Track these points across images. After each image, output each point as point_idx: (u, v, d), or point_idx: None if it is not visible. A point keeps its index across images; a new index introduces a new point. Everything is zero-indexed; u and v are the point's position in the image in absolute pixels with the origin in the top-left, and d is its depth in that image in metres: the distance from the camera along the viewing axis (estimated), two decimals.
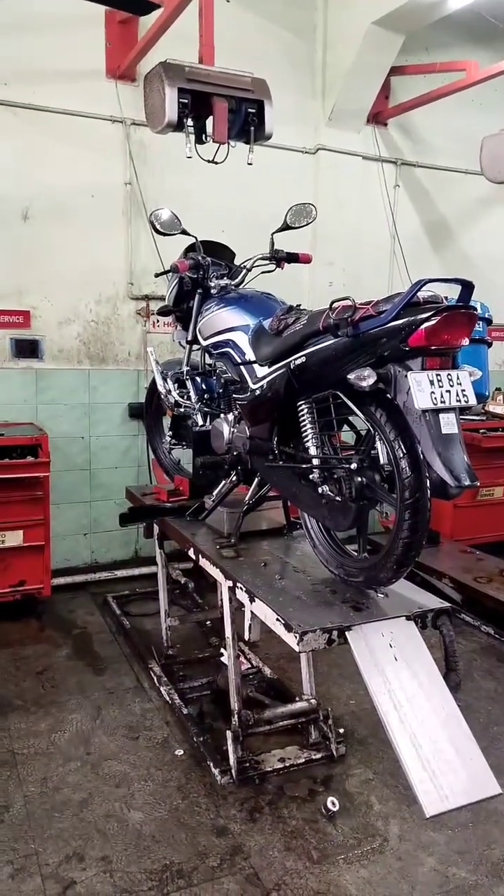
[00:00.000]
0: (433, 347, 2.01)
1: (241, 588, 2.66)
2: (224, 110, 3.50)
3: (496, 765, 2.43)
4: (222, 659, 3.43)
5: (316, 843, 2.51)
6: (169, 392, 3.51)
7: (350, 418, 2.51)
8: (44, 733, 3.13)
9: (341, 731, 3.06)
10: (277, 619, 2.40)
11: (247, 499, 3.08)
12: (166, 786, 2.81)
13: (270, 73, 3.74)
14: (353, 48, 4.91)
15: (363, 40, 4.81)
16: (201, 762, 2.93)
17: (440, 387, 2.02)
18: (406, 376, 2.04)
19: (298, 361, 2.44)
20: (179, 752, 3.01)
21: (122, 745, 3.07)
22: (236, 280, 3.27)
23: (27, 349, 4.69)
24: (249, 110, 3.57)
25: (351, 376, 2.14)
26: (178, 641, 3.87)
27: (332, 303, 2.24)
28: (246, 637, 3.60)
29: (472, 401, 2.07)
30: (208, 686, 3.48)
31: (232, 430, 3.05)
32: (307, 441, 2.51)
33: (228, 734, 2.81)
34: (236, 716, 2.82)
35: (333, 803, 2.65)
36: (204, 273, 3.24)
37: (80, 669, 3.73)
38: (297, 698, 3.16)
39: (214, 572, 2.95)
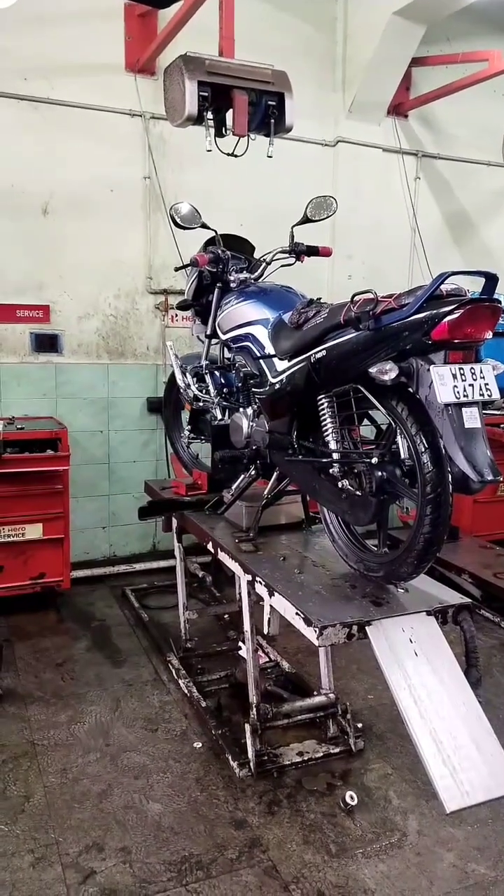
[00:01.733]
0: (456, 341, 1.99)
1: (261, 582, 2.66)
2: (244, 103, 3.49)
3: None
4: (240, 652, 3.44)
5: (334, 837, 2.51)
6: (188, 386, 3.51)
7: (370, 412, 2.50)
8: (63, 724, 3.16)
9: (360, 725, 3.05)
10: (297, 614, 2.39)
11: (266, 493, 3.08)
12: (185, 778, 2.82)
13: (290, 65, 3.73)
14: (373, 40, 4.87)
15: (384, 31, 4.77)
16: (220, 755, 2.94)
17: (463, 380, 2.00)
18: (428, 370, 2.03)
19: (319, 355, 2.43)
20: (198, 744, 3.02)
21: (140, 737, 3.08)
22: (256, 274, 3.26)
23: (47, 343, 4.72)
24: (269, 103, 3.56)
25: (372, 370, 2.12)
26: (196, 635, 3.88)
27: (354, 296, 2.23)
28: (265, 631, 3.63)
29: (496, 394, 2.05)
30: (226, 679, 3.49)
31: (251, 424, 3.05)
32: (327, 435, 2.50)
33: (247, 727, 2.82)
34: (255, 709, 2.83)
35: (352, 797, 2.64)
36: (223, 267, 3.23)
37: (99, 661, 3.75)
38: (315, 692, 3.16)
39: (233, 566, 2.95)
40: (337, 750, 2.95)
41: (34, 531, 4.12)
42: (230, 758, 2.88)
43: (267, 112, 3.55)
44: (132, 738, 3.07)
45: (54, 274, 4.67)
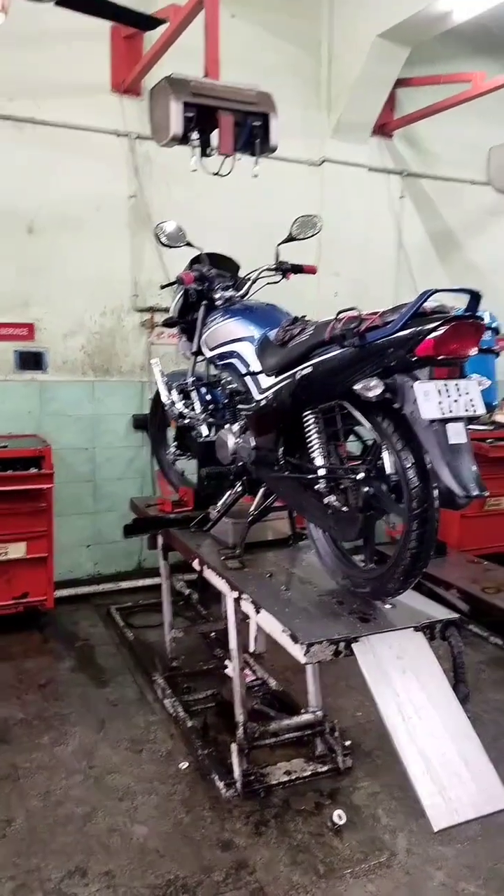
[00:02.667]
0: (441, 357, 2.01)
1: (247, 599, 2.65)
2: (229, 123, 3.52)
3: None
4: (227, 671, 3.41)
5: (322, 857, 2.48)
6: (173, 403, 3.50)
7: (356, 428, 2.51)
8: (46, 746, 3.11)
9: (348, 743, 3.02)
10: (283, 631, 2.38)
11: (252, 509, 3.07)
12: (170, 799, 2.78)
13: (276, 86, 3.76)
14: (358, 61, 4.94)
15: (368, 53, 4.84)
16: (206, 775, 2.90)
17: (448, 396, 2.01)
18: (413, 386, 2.04)
19: (304, 372, 2.43)
20: (184, 765, 2.98)
21: (125, 758, 3.04)
22: (241, 291, 3.28)
23: (31, 361, 4.70)
24: (254, 123, 3.59)
25: (357, 386, 2.13)
26: (182, 653, 3.84)
27: (339, 313, 2.24)
28: (251, 649, 3.60)
29: (481, 410, 2.06)
30: (213, 698, 3.45)
31: (237, 440, 3.04)
32: (313, 451, 2.51)
33: (233, 747, 2.79)
34: (241, 728, 2.80)
35: (340, 816, 2.62)
36: (209, 285, 3.25)
37: (84, 682, 3.70)
38: (302, 710, 3.13)
39: (219, 583, 2.93)
40: (325, 768, 2.92)
41: (17, 550, 4.08)
42: (217, 778, 2.84)
43: (252, 132, 3.59)
44: (117, 760, 3.03)
45: (40, 292, 4.67)
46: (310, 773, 2.89)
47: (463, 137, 5.84)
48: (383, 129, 5.60)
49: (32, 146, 4.53)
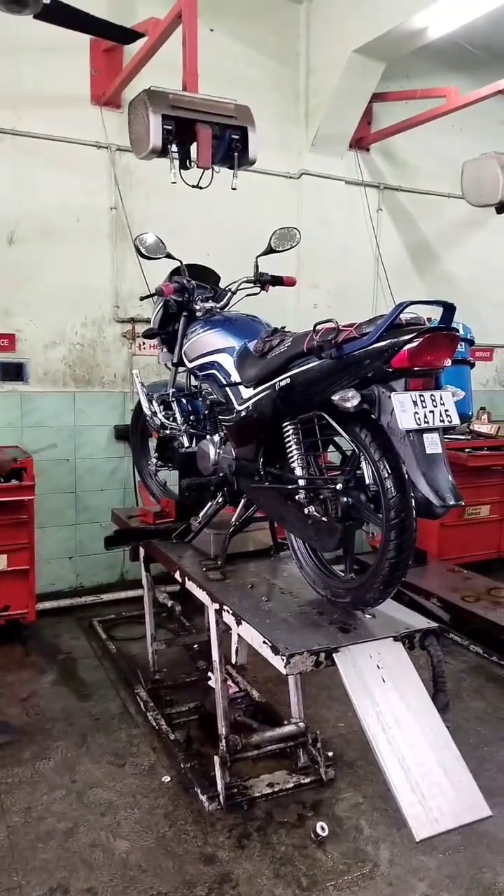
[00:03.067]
0: (416, 368, 2.03)
1: (228, 611, 2.64)
2: (208, 136, 3.55)
3: (486, 786, 2.41)
4: (210, 683, 3.40)
5: (305, 870, 2.47)
6: (155, 414, 3.51)
7: (335, 439, 2.52)
8: (28, 761, 3.08)
9: (330, 754, 3.03)
10: (264, 642, 2.38)
11: (233, 520, 3.07)
12: (153, 813, 2.76)
13: (254, 99, 3.80)
14: (335, 75, 5.01)
15: (345, 68, 4.90)
16: (189, 789, 2.89)
17: (423, 407, 2.04)
18: (390, 397, 2.06)
19: (283, 383, 2.45)
20: (166, 778, 2.97)
21: (107, 772, 3.02)
22: (221, 303, 3.29)
23: (12, 372, 4.68)
24: (233, 136, 3.62)
25: (335, 397, 2.15)
26: (165, 666, 3.83)
27: (316, 325, 2.26)
28: (233, 660, 3.60)
29: (456, 420, 2.08)
30: (196, 711, 3.44)
31: (218, 451, 3.05)
32: (293, 462, 2.52)
33: (216, 760, 2.77)
34: (224, 741, 2.79)
35: (323, 828, 2.61)
36: (189, 296, 3.26)
37: (66, 695, 3.67)
38: (285, 722, 3.13)
39: (201, 595, 2.93)
40: (308, 780, 2.92)
41: None
42: (199, 791, 2.83)
43: (230, 145, 3.62)
44: (99, 774, 3.00)
45: (20, 302, 4.66)
46: (292, 784, 2.88)
47: (438, 151, 5.92)
48: (360, 142, 5.67)
49: (12, 157, 4.53)
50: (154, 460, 3.78)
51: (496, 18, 4.60)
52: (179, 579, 3.13)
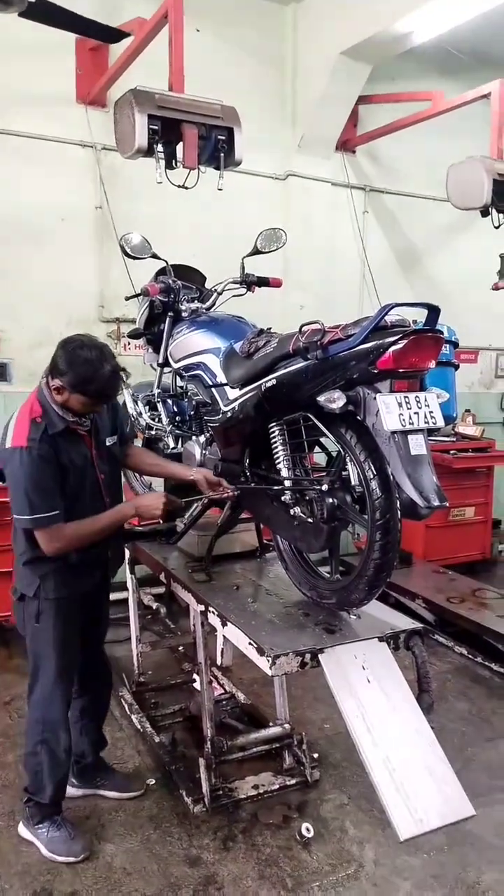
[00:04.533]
0: (401, 370, 2.04)
1: (213, 612, 2.64)
2: (194, 136, 3.54)
3: (470, 786, 2.43)
4: (195, 685, 3.39)
5: (290, 871, 2.47)
6: (140, 414, 3.49)
7: (321, 440, 2.53)
8: (11, 765, 3.06)
9: (315, 755, 3.03)
10: (250, 643, 2.38)
11: (219, 521, 3.07)
12: (137, 816, 2.75)
13: (241, 100, 3.79)
14: (321, 78, 5.02)
15: (331, 70, 4.92)
16: (174, 791, 2.88)
17: (408, 409, 2.04)
18: (375, 398, 2.07)
19: (269, 384, 2.44)
20: (151, 781, 2.96)
21: None
22: (207, 303, 3.28)
23: None
24: (219, 137, 3.61)
25: (321, 398, 2.15)
26: (150, 668, 3.81)
27: (302, 326, 2.26)
28: (219, 662, 3.59)
29: (440, 422, 2.09)
30: (181, 713, 3.43)
31: (203, 452, 3.04)
32: (279, 463, 2.52)
33: (201, 762, 2.77)
34: (209, 743, 2.78)
35: (308, 829, 2.61)
36: (175, 296, 3.25)
37: None
38: (270, 723, 3.13)
39: (186, 596, 2.92)
40: (293, 781, 2.91)
41: None
42: (184, 793, 2.82)
43: (216, 146, 3.61)
44: None
45: (4, 303, 4.63)
46: (278, 786, 2.88)
47: (424, 154, 5.94)
48: (346, 144, 5.69)
49: None
50: None
51: (480, 24, 4.64)
52: (165, 581, 3.13)
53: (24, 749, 2.63)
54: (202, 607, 2.74)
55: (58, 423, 2.38)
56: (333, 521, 2.39)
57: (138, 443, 3.76)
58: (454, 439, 5.45)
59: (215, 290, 3.31)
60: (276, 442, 2.53)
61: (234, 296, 3.32)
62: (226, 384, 2.81)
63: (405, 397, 2.05)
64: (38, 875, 2.44)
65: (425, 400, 2.08)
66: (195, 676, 3.41)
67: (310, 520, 2.44)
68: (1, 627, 4.18)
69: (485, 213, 4.68)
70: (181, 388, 3.27)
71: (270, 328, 2.85)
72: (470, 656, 4.15)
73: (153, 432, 3.47)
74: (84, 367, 2.29)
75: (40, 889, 2.38)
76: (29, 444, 2.30)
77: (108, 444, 2.56)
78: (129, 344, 4.95)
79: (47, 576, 2.46)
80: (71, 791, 2.75)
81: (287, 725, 3.06)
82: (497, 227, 4.63)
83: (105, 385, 2.34)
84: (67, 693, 2.54)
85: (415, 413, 2.05)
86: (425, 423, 2.06)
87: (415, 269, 6.22)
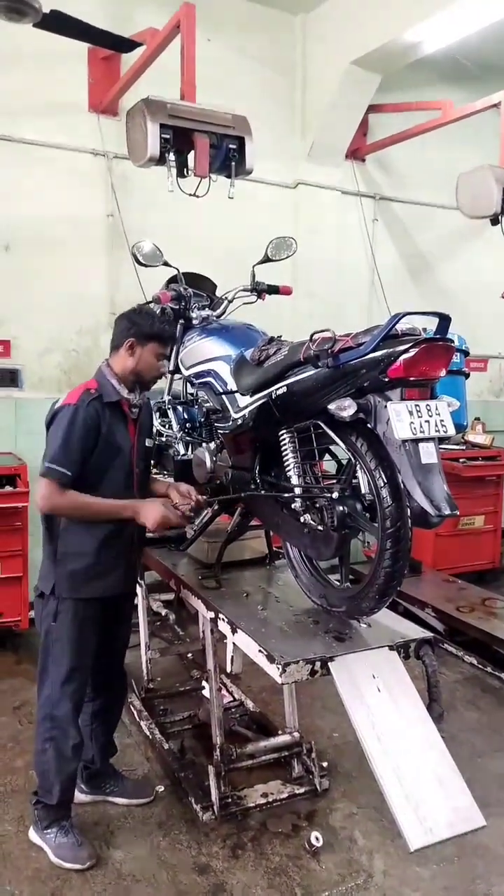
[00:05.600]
0: (412, 378, 2.04)
1: (223, 619, 2.64)
2: (205, 146, 3.57)
3: (481, 797, 2.41)
4: (204, 692, 3.39)
5: (300, 880, 2.46)
6: None
7: (331, 448, 2.53)
8: (21, 770, 3.06)
9: (325, 764, 3.02)
10: (260, 651, 2.38)
11: (229, 528, 3.07)
12: (147, 823, 2.75)
13: (251, 109, 3.83)
14: (331, 87, 5.05)
15: (342, 79, 4.95)
16: (183, 798, 2.88)
17: (419, 417, 2.04)
18: (385, 407, 2.06)
19: (280, 391, 2.45)
20: (160, 788, 2.95)
21: None
22: (218, 311, 3.30)
23: (7, 378, 4.67)
24: (230, 146, 3.64)
25: (331, 406, 2.15)
26: (159, 674, 3.81)
27: (313, 334, 2.27)
28: (228, 669, 3.58)
29: (451, 431, 2.09)
30: (190, 720, 3.43)
31: (214, 459, 3.04)
32: (289, 470, 2.52)
33: (210, 769, 2.76)
34: (218, 750, 2.77)
35: (317, 839, 2.60)
36: (185, 304, 3.26)
37: None
38: (279, 731, 3.12)
39: (196, 603, 2.92)
40: (302, 790, 2.90)
41: None
42: (193, 801, 2.82)
43: (227, 155, 3.64)
44: None
45: (15, 309, 4.66)
46: (287, 794, 2.87)
47: (434, 163, 5.96)
48: (356, 153, 5.71)
49: (9, 164, 4.53)
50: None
51: (490, 34, 4.65)
52: (174, 587, 3.13)
53: (33, 753, 2.64)
54: (212, 614, 2.74)
55: (113, 394, 2.55)
56: (344, 528, 2.39)
57: None
58: (464, 448, 5.44)
59: (226, 297, 3.33)
60: (286, 449, 2.53)
61: (244, 303, 3.33)
62: (236, 391, 2.82)
63: (416, 405, 2.05)
64: (48, 880, 2.44)
65: (436, 408, 2.07)
66: (204, 683, 3.40)
67: (320, 527, 2.44)
68: (10, 632, 4.19)
69: (495, 221, 4.68)
70: (192, 395, 3.27)
71: (280, 336, 2.86)
72: (480, 666, 4.13)
73: (163, 439, 3.48)
74: (144, 316, 2.60)
75: (50, 894, 2.38)
76: (78, 404, 2.46)
77: (146, 444, 2.69)
78: None
79: (64, 575, 2.50)
80: (80, 797, 2.75)
81: (296, 734, 3.05)
82: None
83: (165, 324, 2.65)
84: (77, 694, 2.54)
85: (425, 421, 2.05)
86: (436, 431, 2.06)
87: (425, 277, 6.22)
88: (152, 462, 3.67)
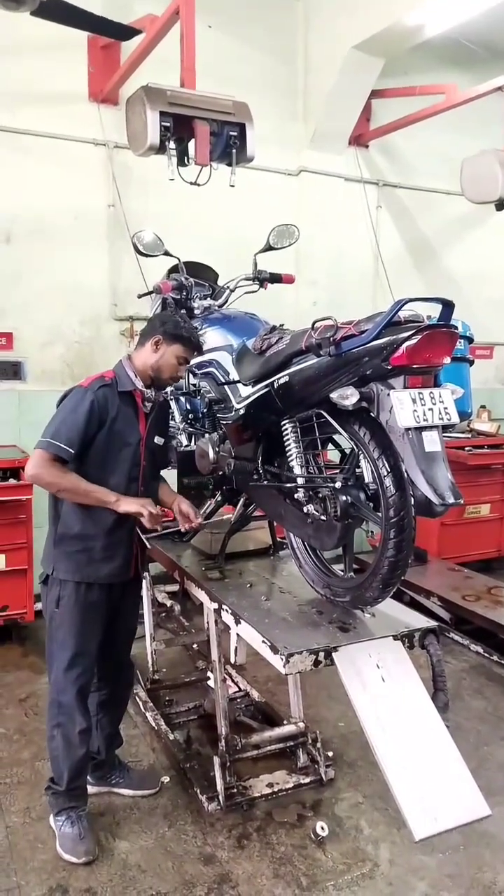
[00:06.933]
0: (415, 366, 2.01)
1: (227, 610, 2.63)
2: (205, 133, 3.53)
3: (486, 786, 2.41)
4: (209, 683, 3.39)
5: (305, 870, 2.46)
6: None
7: (334, 437, 2.51)
8: (27, 762, 3.07)
9: (330, 754, 3.01)
10: (263, 641, 2.37)
11: (232, 519, 3.06)
12: (152, 814, 2.75)
13: (252, 96, 3.78)
14: (333, 72, 4.98)
15: (344, 64, 4.88)
16: (188, 789, 2.88)
17: (422, 405, 2.02)
18: (388, 395, 2.04)
19: (282, 381, 2.43)
20: (165, 778, 2.95)
21: None
22: (220, 300, 3.28)
23: (9, 371, 4.66)
24: (231, 133, 3.60)
25: (334, 395, 2.14)
26: (164, 665, 3.82)
27: (315, 322, 2.24)
28: (233, 660, 3.58)
29: (455, 418, 2.07)
30: (195, 711, 3.43)
31: (216, 449, 3.04)
32: (292, 460, 2.50)
33: (215, 760, 2.76)
34: (223, 741, 2.77)
35: (322, 828, 2.60)
36: (187, 294, 3.25)
37: None
38: (284, 722, 3.12)
39: (200, 594, 2.92)
40: (307, 780, 2.90)
41: None
42: (199, 791, 2.82)
43: (228, 142, 3.60)
44: None
45: (17, 301, 4.64)
46: (292, 784, 2.87)
47: (438, 148, 5.89)
48: (359, 139, 5.65)
49: (8, 154, 4.50)
50: None
51: (494, 15, 4.57)
52: (178, 579, 3.12)
53: (41, 745, 2.65)
54: (216, 605, 2.74)
55: (127, 384, 2.55)
56: (347, 518, 2.37)
57: None
58: (469, 436, 5.41)
59: (228, 287, 3.31)
60: (288, 439, 2.52)
61: (246, 292, 3.31)
62: (238, 381, 2.80)
63: (419, 393, 2.03)
64: (55, 871, 2.44)
65: (440, 396, 2.05)
66: (209, 674, 3.41)
67: (323, 517, 2.42)
68: (16, 624, 4.20)
69: (499, 206, 4.65)
70: (194, 385, 3.25)
71: (283, 325, 2.83)
72: (486, 654, 4.12)
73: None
74: (178, 319, 2.66)
75: (56, 885, 2.38)
76: (89, 387, 2.49)
77: (155, 440, 2.66)
78: None
79: (63, 555, 2.52)
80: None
81: (301, 724, 3.05)
82: None
83: (196, 334, 2.68)
84: (81, 680, 2.54)
85: (429, 409, 2.03)
86: (440, 419, 2.04)
87: (429, 263, 6.17)
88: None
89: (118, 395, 2.52)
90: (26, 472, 2.49)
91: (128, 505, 2.46)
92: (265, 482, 2.71)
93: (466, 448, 5.12)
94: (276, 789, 2.83)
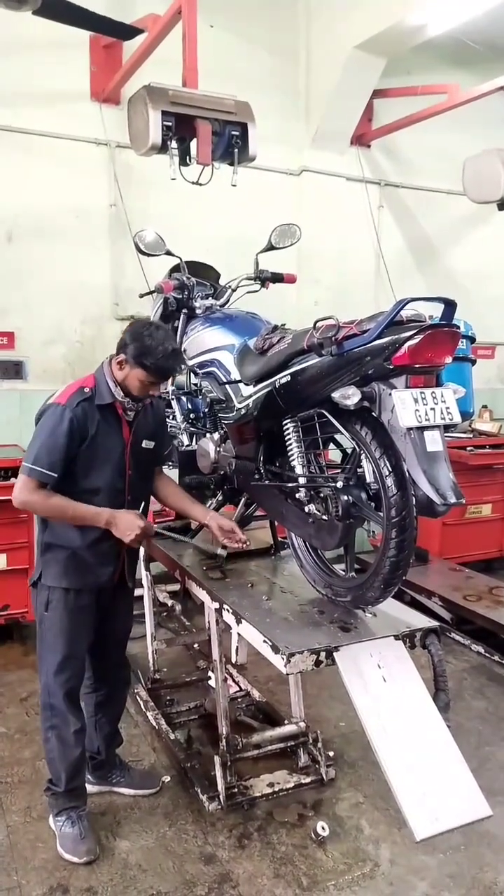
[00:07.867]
0: (417, 366, 2.01)
1: (228, 609, 2.63)
2: (207, 132, 3.53)
3: (487, 786, 2.41)
4: (210, 682, 3.39)
5: (306, 870, 2.46)
6: None
7: (336, 436, 2.51)
8: (28, 761, 3.07)
9: (331, 753, 3.01)
10: (264, 641, 2.37)
11: (234, 519, 3.05)
12: (153, 813, 2.75)
13: (254, 96, 3.78)
14: (335, 72, 4.98)
15: (346, 64, 4.88)
16: (189, 788, 2.88)
17: (424, 405, 2.02)
18: (390, 394, 2.04)
19: (283, 380, 2.43)
20: (166, 778, 2.95)
21: None
22: (221, 300, 3.28)
23: (11, 370, 4.67)
24: (233, 132, 3.60)
25: (336, 395, 2.13)
26: (165, 665, 3.82)
27: (317, 322, 2.24)
28: (234, 659, 3.58)
29: (457, 418, 2.06)
30: (196, 710, 3.43)
31: (218, 449, 3.03)
32: (293, 460, 2.50)
33: (216, 759, 2.76)
34: (224, 740, 2.77)
35: (323, 828, 2.60)
36: (189, 293, 3.24)
37: None
38: (285, 721, 3.12)
39: (201, 594, 2.92)
40: (308, 780, 2.90)
41: None
42: (200, 791, 2.82)
43: (230, 141, 3.60)
44: None
45: (19, 301, 4.64)
46: (293, 784, 2.87)
47: (440, 148, 5.88)
48: (361, 139, 5.65)
49: (10, 154, 4.50)
50: None
51: (497, 14, 4.56)
52: (179, 578, 3.12)
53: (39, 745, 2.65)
54: (217, 605, 2.74)
55: (106, 396, 2.46)
56: (348, 518, 2.37)
57: None
58: (471, 436, 5.41)
59: (229, 286, 3.30)
60: (290, 439, 2.51)
61: (248, 292, 3.31)
62: (240, 381, 2.80)
63: (421, 393, 2.03)
64: (55, 871, 2.44)
65: (441, 396, 2.05)
66: (210, 674, 3.40)
67: (324, 517, 2.42)
68: (17, 624, 4.20)
69: (501, 206, 4.63)
70: (195, 385, 3.26)
71: (285, 324, 2.83)
72: (487, 655, 4.12)
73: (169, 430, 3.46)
74: (148, 339, 2.40)
75: (56, 885, 2.38)
76: (67, 404, 2.39)
77: (143, 445, 2.58)
78: None
79: (51, 562, 2.50)
80: (86, 787, 2.76)
81: (302, 723, 3.05)
82: None
83: (164, 360, 2.41)
84: (72, 682, 2.53)
85: (431, 409, 2.02)
86: (441, 419, 2.04)
87: (431, 263, 6.16)
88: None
89: (97, 408, 2.43)
90: (14, 499, 2.40)
91: (117, 531, 2.42)
92: (266, 482, 2.71)
93: (468, 448, 5.11)
94: (276, 789, 2.83)
